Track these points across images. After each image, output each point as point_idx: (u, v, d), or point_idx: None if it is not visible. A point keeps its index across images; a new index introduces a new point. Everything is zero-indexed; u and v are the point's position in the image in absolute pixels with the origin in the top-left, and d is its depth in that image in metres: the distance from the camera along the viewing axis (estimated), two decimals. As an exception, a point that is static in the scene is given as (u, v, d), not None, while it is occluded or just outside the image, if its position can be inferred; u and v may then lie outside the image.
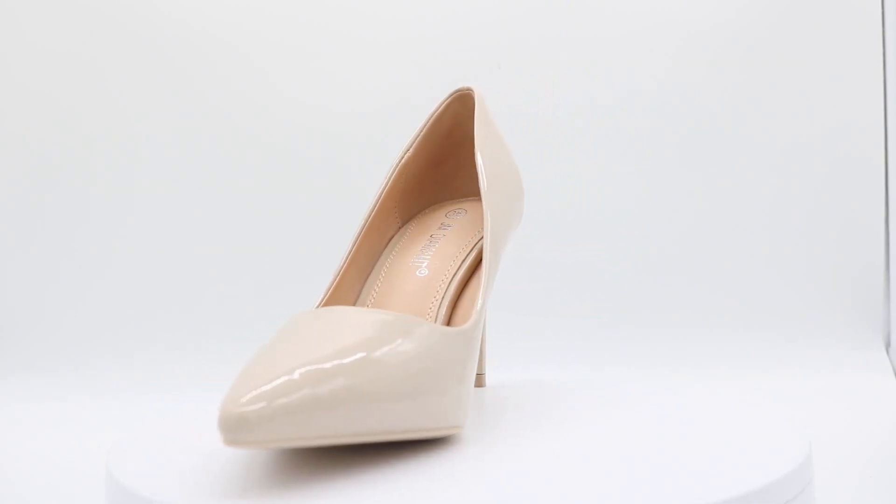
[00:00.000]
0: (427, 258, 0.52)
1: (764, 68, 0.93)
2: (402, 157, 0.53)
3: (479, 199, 0.56)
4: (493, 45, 0.94)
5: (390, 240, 0.54)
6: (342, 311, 0.43)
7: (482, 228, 0.54)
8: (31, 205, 0.94)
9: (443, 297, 0.50)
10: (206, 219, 0.94)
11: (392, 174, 0.53)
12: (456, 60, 0.94)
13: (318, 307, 0.48)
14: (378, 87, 0.94)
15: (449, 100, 0.54)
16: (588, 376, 0.84)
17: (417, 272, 0.51)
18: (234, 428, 0.36)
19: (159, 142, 0.94)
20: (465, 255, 0.52)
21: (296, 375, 0.37)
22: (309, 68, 0.95)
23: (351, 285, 0.51)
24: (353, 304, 0.51)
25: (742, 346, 0.87)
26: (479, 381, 0.54)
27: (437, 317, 0.49)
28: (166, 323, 0.91)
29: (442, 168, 0.55)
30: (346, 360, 0.39)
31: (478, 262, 0.52)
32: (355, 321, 0.42)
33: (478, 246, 0.53)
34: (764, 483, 0.37)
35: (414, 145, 0.54)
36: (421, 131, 0.54)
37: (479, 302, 0.47)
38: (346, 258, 0.50)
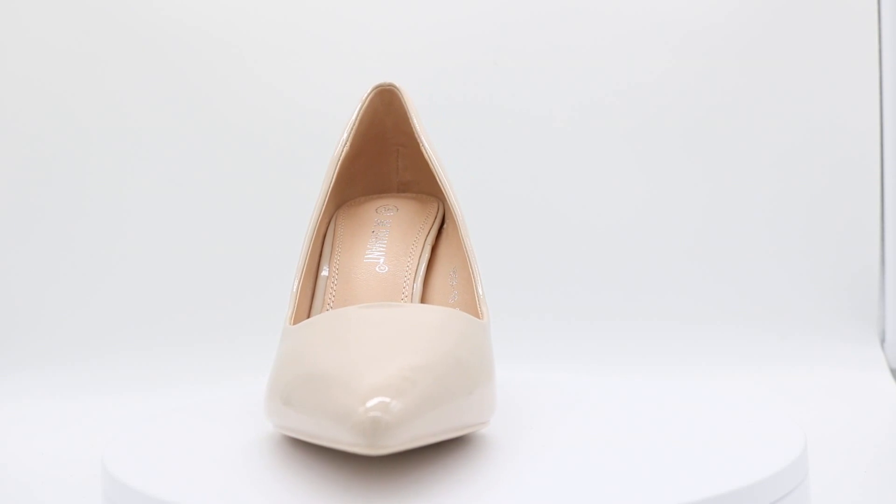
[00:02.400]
0: (380, 254, 0.52)
1: (760, 70, 0.93)
2: (342, 152, 0.53)
3: (403, 196, 0.56)
4: (491, 45, 0.94)
5: (324, 236, 0.54)
6: (402, 307, 0.42)
7: (422, 223, 0.54)
8: (29, 202, 0.93)
9: (412, 294, 0.50)
10: (205, 218, 0.93)
11: (336, 169, 0.53)
12: (455, 59, 0.94)
13: (292, 304, 0.47)
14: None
15: (371, 94, 0.54)
16: (583, 374, 0.84)
17: (377, 269, 0.51)
18: (377, 433, 0.34)
19: (159, 141, 0.94)
20: (420, 250, 0.52)
21: (407, 375, 0.36)
22: (309, 69, 0.95)
23: (307, 283, 0.50)
24: (311, 301, 0.50)
25: (737, 342, 0.87)
26: None
27: None
28: (165, 321, 0.91)
29: (357, 163, 0.55)
30: (437, 358, 0.38)
31: (430, 258, 0.52)
32: (420, 317, 0.41)
33: (428, 241, 0.53)
34: (759, 478, 0.37)
35: (350, 140, 0.54)
36: (354, 125, 0.54)
37: (482, 294, 0.47)
38: (307, 256, 0.50)
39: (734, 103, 0.93)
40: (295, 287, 0.48)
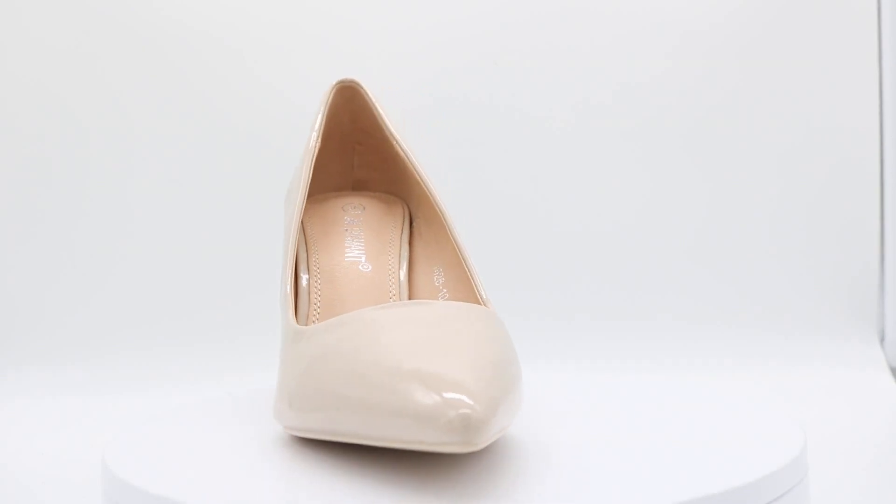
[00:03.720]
0: (360, 253, 0.51)
1: (760, 70, 0.93)
2: (316, 148, 0.52)
3: (367, 195, 0.56)
4: (491, 45, 0.94)
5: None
6: (430, 305, 0.41)
7: (392, 222, 0.53)
8: (29, 202, 0.93)
9: (399, 293, 0.49)
10: (206, 217, 0.93)
11: (312, 164, 0.52)
12: (455, 59, 0.94)
13: (291, 304, 0.46)
14: (376, 89, 0.94)
15: (333, 91, 0.54)
16: (583, 373, 0.84)
17: (360, 267, 0.50)
18: (469, 430, 0.34)
19: (159, 141, 0.94)
20: (398, 249, 0.52)
21: (480, 371, 0.36)
22: (309, 69, 0.95)
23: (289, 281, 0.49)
24: (295, 301, 0.49)
25: (737, 341, 0.87)
26: None
27: None
28: (166, 321, 0.91)
29: (317, 159, 0.55)
30: (494, 353, 0.38)
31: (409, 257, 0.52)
32: (467, 314, 0.41)
33: (404, 240, 0.52)
34: (759, 476, 0.37)
35: (321, 136, 0.53)
36: (323, 122, 0.53)
37: (486, 297, 0.47)
38: (294, 254, 0.49)
39: (734, 103, 0.93)
40: (289, 286, 0.47)
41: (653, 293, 0.91)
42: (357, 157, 0.57)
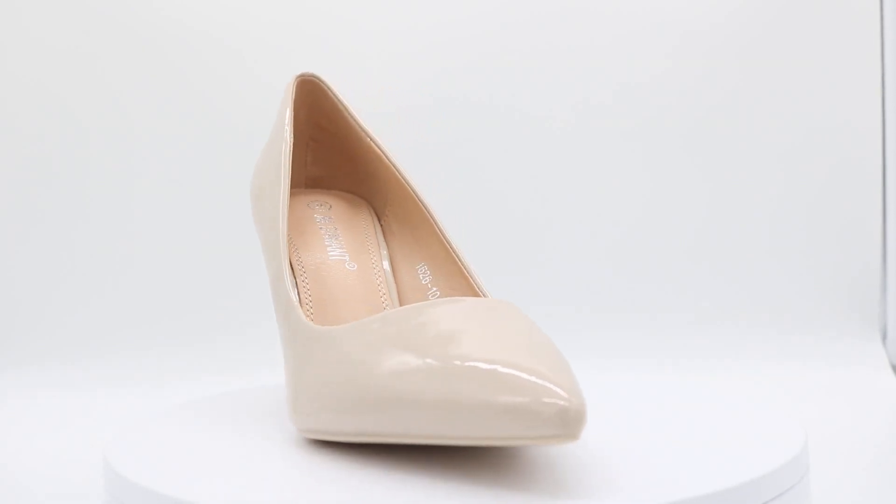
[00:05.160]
0: (342, 251, 0.50)
1: (761, 70, 0.93)
2: (291, 143, 0.50)
3: (329, 193, 0.54)
4: (491, 45, 0.94)
5: None
6: (484, 300, 0.41)
7: (363, 220, 0.52)
8: (29, 202, 0.94)
9: (389, 291, 0.49)
10: (206, 217, 0.93)
11: (290, 160, 0.50)
12: (455, 59, 0.94)
13: (297, 301, 0.45)
14: (374, 91, 0.94)
15: (294, 85, 0.52)
16: (582, 372, 0.84)
17: (346, 266, 0.49)
18: (573, 422, 0.34)
19: (159, 141, 0.94)
20: (377, 247, 0.51)
21: (560, 364, 0.36)
22: (309, 69, 0.94)
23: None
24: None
25: (739, 339, 0.87)
26: None
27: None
28: (167, 320, 0.91)
29: None
30: (553, 345, 0.38)
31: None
32: (515, 312, 0.41)
33: (379, 238, 0.51)
34: (760, 474, 0.37)
35: (294, 131, 0.51)
36: (293, 116, 0.52)
37: (485, 290, 0.47)
38: (286, 250, 0.48)
39: (734, 103, 0.93)
40: (289, 283, 0.46)
41: (653, 293, 0.91)
42: (310, 154, 0.55)
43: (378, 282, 0.49)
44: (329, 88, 0.53)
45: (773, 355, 0.83)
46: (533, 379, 0.34)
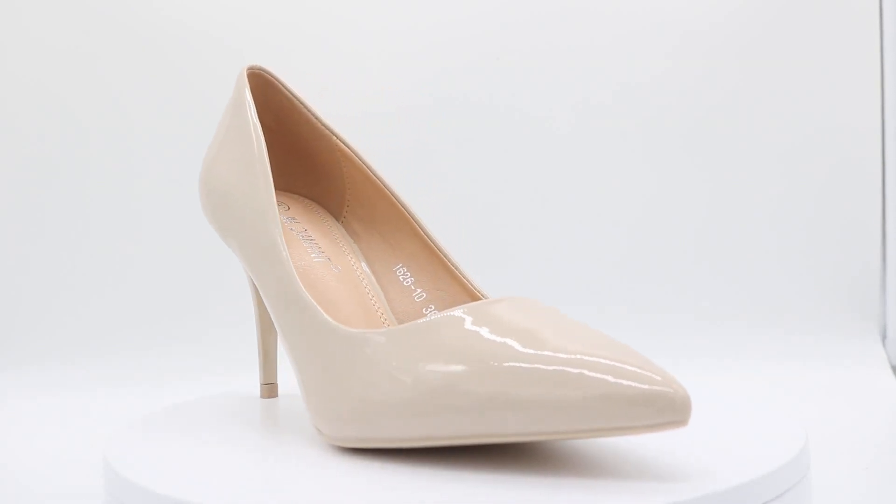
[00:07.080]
0: (321, 253, 0.48)
1: (761, 70, 0.93)
2: (263, 141, 0.46)
3: (282, 193, 0.51)
4: (491, 45, 0.94)
5: None
6: (520, 298, 0.41)
7: (322, 221, 0.50)
8: (30, 203, 0.94)
9: (375, 294, 0.48)
10: (205, 217, 0.93)
11: (267, 160, 0.46)
12: (455, 59, 0.94)
13: (313, 305, 0.43)
14: (374, 91, 0.94)
15: (245, 77, 0.48)
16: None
17: (332, 268, 0.47)
18: (682, 408, 0.35)
19: (159, 141, 0.94)
20: (349, 248, 0.49)
21: (642, 356, 0.37)
22: (310, 69, 0.95)
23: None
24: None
25: (739, 339, 0.87)
26: None
27: (385, 312, 0.47)
28: (167, 320, 0.91)
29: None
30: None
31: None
32: (561, 313, 0.41)
33: (344, 238, 0.50)
34: (760, 474, 0.37)
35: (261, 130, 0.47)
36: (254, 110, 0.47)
37: (483, 291, 0.47)
38: (286, 251, 0.45)
39: (734, 103, 0.93)
40: (300, 284, 0.43)
41: (653, 292, 0.91)
42: None
43: (364, 284, 0.48)
44: (280, 83, 0.49)
45: (773, 355, 0.83)
46: (638, 370, 0.35)
